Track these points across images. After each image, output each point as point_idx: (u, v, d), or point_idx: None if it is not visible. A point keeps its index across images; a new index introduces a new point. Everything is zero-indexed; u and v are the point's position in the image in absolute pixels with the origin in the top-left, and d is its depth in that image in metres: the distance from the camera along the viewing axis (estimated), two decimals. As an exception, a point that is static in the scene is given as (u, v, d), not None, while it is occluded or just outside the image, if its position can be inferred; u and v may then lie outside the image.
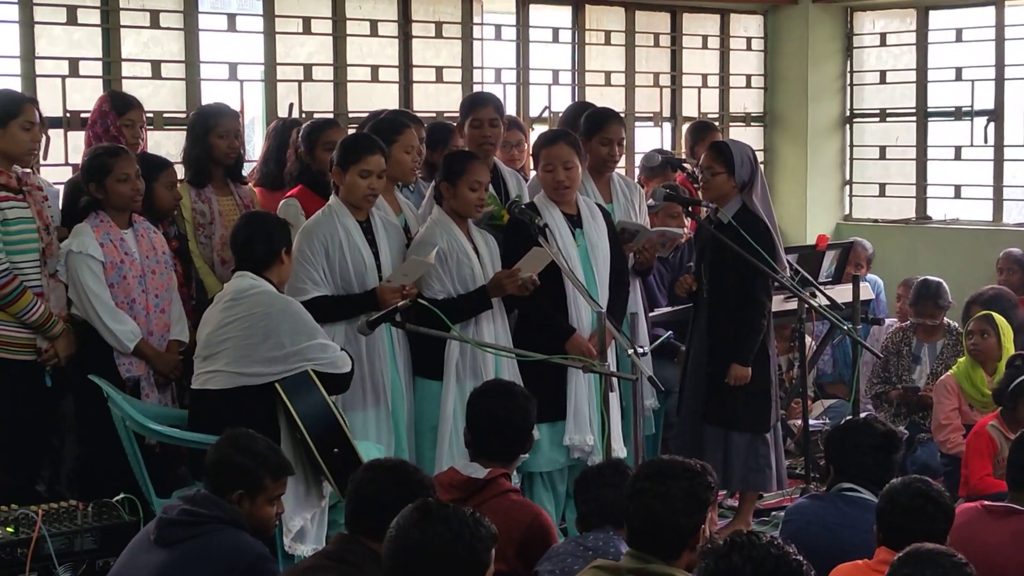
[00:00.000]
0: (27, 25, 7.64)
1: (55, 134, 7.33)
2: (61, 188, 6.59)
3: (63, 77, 7.76)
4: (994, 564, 4.32)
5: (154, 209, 6.35)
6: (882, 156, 11.68)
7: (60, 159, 7.59)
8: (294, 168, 6.83)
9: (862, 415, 5.86)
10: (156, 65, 8.18)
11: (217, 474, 4.40)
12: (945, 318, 8.52)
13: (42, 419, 6.09)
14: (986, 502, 4.80)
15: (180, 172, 6.86)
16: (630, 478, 3.98)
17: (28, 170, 6.12)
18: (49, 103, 7.50)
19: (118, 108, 6.73)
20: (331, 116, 8.40)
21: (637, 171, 8.91)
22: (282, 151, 7.05)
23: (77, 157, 6.60)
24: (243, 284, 5.56)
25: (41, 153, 6.62)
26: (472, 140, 6.77)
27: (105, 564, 5.06)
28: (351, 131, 7.05)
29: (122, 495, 5.43)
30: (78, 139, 7.42)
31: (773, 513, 7.19)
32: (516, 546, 4.48)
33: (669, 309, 7.63)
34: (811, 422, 7.78)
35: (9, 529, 5.15)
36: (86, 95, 7.75)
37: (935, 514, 4.14)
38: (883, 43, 11.66)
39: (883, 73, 11.66)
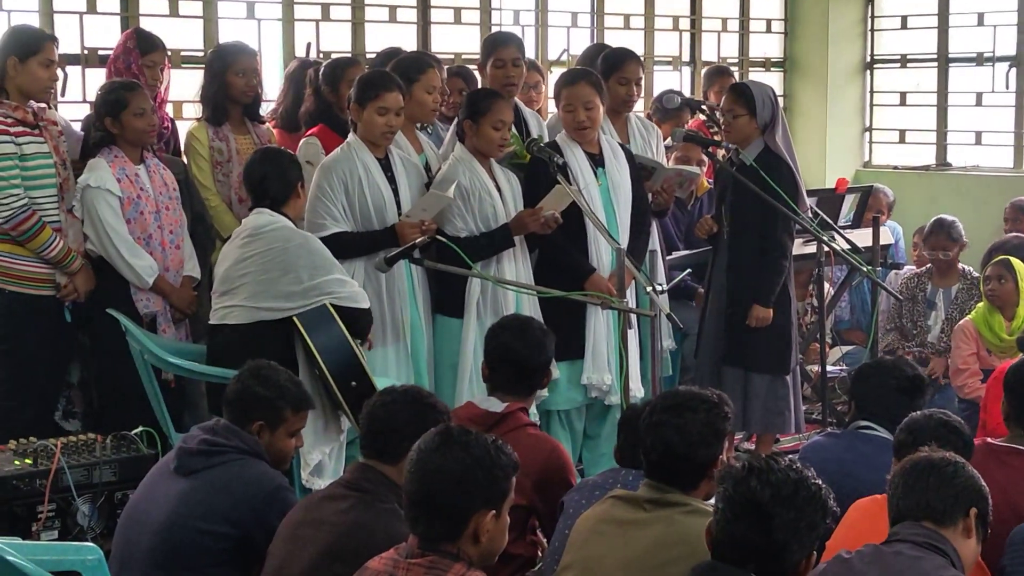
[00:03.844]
0: (45, -39, 7.62)
1: (72, 71, 7.32)
2: (79, 124, 6.59)
3: (81, 14, 7.73)
4: (1011, 501, 4.31)
5: None
6: (903, 102, 11.61)
7: (78, 96, 7.58)
8: (312, 107, 6.81)
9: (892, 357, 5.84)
10: (174, 2, 8.15)
11: (238, 405, 4.41)
12: (960, 264, 8.47)
13: (62, 354, 6.11)
14: (989, 440, 4.78)
15: (198, 110, 6.85)
16: (646, 411, 3.97)
17: (44, 105, 6.12)
18: (67, 40, 7.47)
19: (142, 47, 6.67)
20: (348, 56, 8.35)
21: (649, 111, 8.85)
22: (302, 93, 7.02)
23: (94, 94, 6.58)
24: (261, 220, 5.59)
25: (59, 90, 6.63)
26: (495, 80, 6.72)
27: (124, 496, 5.09)
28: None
29: (140, 428, 5.45)
30: (95, 76, 7.41)
31: (789, 456, 7.18)
32: (534, 479, 4.49)
33: (687, 252, 7.61)
34: (828, 368, 7.76)
35: (28, 461, 5.19)
36: (104, 32, 7.73)
37: (956, 443, 4.13)
38: (904, -13, 11.58)
39: (904, 18, 11.56)
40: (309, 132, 6.60)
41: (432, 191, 6.03)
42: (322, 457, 5.52)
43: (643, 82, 7.13)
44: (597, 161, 6.42)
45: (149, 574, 4.21)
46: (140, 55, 6.63)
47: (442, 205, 5.99)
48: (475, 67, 7.40)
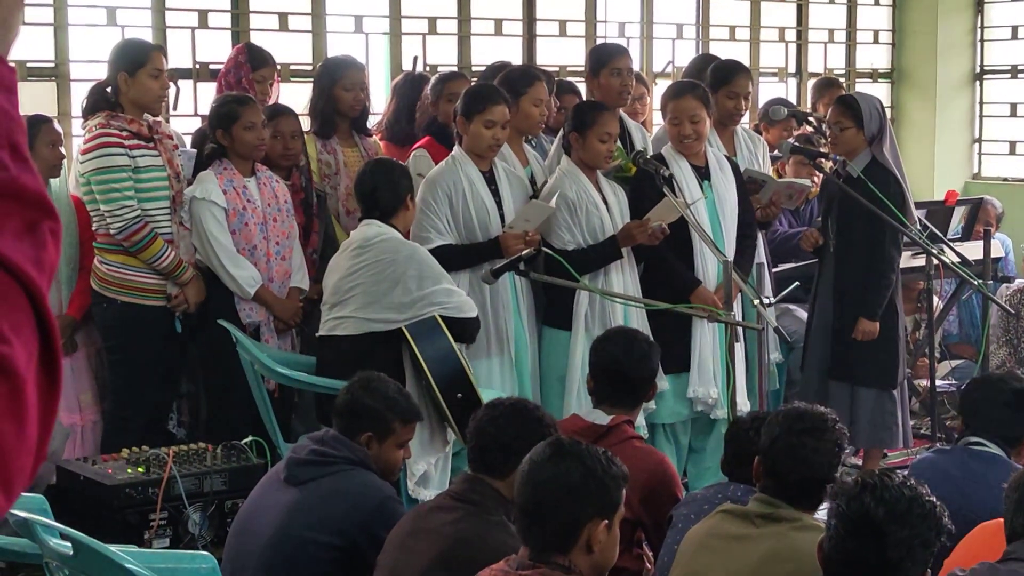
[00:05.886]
0: (158, -23, 7.74)
1: (184, 85, 7.42)
2: (189, 138, 6.69)
3: (192, 29, 7.85)
4: None
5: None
6: (1013, 113, 11.43)
7: (189, 110, 7.70)
8: (423, 121, 6.86)
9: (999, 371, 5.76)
10: (283, 17, 8.25)
11: (347, 416, 4.43)
12: None
13: (172, 364, 6.20)
14: None
15: (306, 123, 6.92)
16: (776, 430, 3.91)
17: (159, 119, 6.22)
18: (179, 54, 7.61)
19: (253, 62, 6.76)
20: (455, 70, 8.41)
21: (756, 122, 8.80)
22: (413, 108, 7.07)
23: (206, 108, 6.68)
24: (370, 232, 5.62)
25: (171, 103, 6.73)
26: (610, 88, 6.69)
27: (234, 505, 5.15)
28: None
29: (250, 437, 5.51)
30: (207, 90, 7.51)
31: (897, 472, 7.09)
32: (640, 492, 4.46)
33: (793, 264, 7.56)
34: (937, 383, 7.66)
35: (141, 469, 5.27)
36: (215, 47, 7.85)
37: None
38: (1015, -3, 11.42)
39: (1015, 28, 11.39)
40: (417, 144, 6.64)
41: (534, 201, 6.05)
42: (428, 467, 5.54)
43: (751, 94, 7.10)
44: (703, 174, 6.40)
45: (260, 583, 4.26)
46: (251, 70, 6.72)
47: (544, 215, 6.00)
48: (580, 80, 7.40)
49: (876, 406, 6.72)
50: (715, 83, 6.78)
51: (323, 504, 4.24)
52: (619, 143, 6.48)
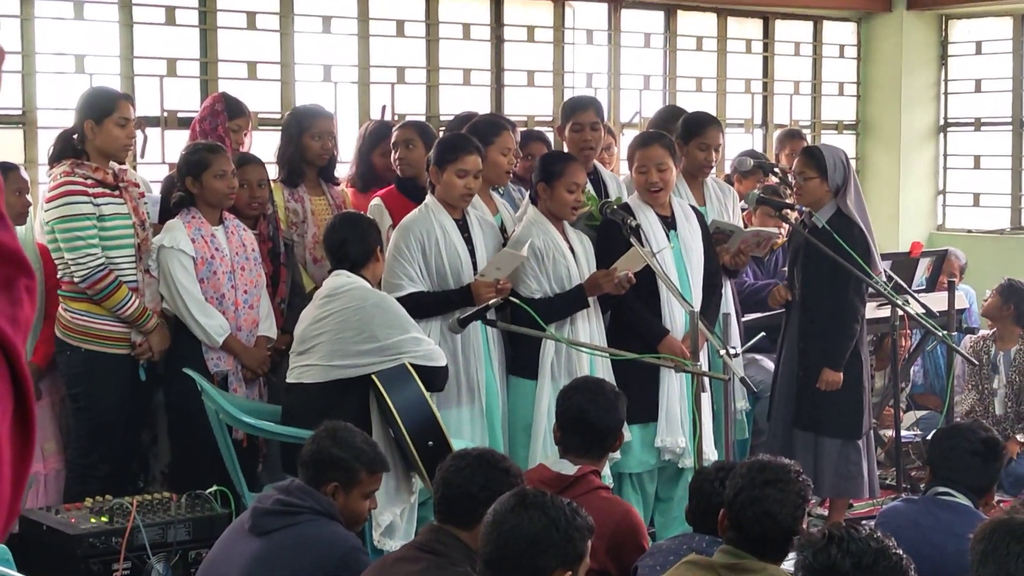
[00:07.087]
0: (126, 25, 7.76)
1: (152, 133, 7.43)
2: (158, 186, 6.67)
3: (161, 77, 7.87)
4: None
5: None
6: (976, 165, 11.54)
7: (157, 158, 7.69)
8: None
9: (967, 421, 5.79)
10: (252, 66, 8.27)
11: (313, 466, 4.42)
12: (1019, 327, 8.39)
13: (136, 412, 6.17)
14: None
15: (274, 172, 6.92)
16: (739, 482, 3.93)
17: (125, 166, 6.21)
18: (147, 102, 7.61)
19: (230, 111, 6.77)
20: (423, 119, 8.45)
21: (727, 173, 8.87)
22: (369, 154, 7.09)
23: (174, 156, 6.68)
24: (338, 282, 5.64)
25: (139, 151, 6.73)
26: (572, 144, 6.75)
27: (198, 555, 5.12)
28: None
29: (215, 487, 5.48)
30: (175, 138, 7.51)
31: (864, 522, 7.08)
32: (606, 543, 4.45)
33: (761, 315, 7.58)
34: (903, 433, 7.68)
35: (104, 519, 5.23)
36: (184, 95, 7.86)
37: None
38: (978, 51, 11.54)
39: (978, 81, 11.52)
40: (379, 193, 6.67)
41: (506, 249, 6.07)
42: (393, 518, 5.52)
43: (721, 146, 7.15)
44: (669, 223, 6.42)
45: (223, 634, 4.23)
46: (227, 118, 6.72)
47: (516, 263, 6.02)
48: (548, 129, 7.45)
49: (840, 456, 6.72)
50: (686, 135, 6.82)
51: (288, 554, 4.21)
52: (591, 191, 6.50)
